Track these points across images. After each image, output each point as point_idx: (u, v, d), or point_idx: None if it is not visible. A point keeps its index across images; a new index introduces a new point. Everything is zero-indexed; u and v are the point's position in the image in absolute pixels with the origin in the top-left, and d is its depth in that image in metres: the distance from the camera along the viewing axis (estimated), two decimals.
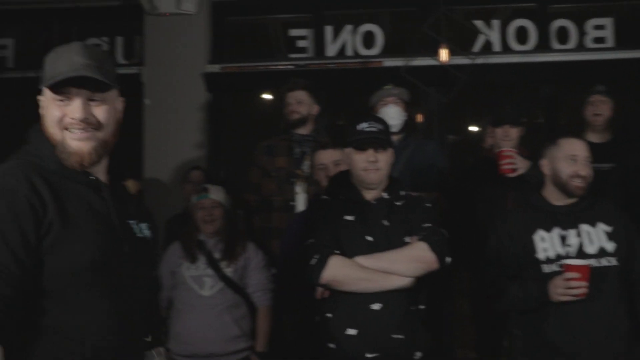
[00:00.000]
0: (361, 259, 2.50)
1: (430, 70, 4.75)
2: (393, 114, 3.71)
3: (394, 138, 3.70)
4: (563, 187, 2.78)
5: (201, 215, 3.56)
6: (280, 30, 5.50)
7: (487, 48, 5.05)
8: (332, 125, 5.35)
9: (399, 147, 3.70)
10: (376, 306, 2.48)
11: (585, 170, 2.76)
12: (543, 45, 5.06)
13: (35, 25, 5.51)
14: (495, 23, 5.12)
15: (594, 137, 4.08)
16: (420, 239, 2.53)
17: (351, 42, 5.24)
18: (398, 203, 2.63)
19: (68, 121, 1.56)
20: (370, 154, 2.59)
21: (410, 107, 3.97)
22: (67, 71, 1.54)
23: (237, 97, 5.47)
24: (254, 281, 3.59)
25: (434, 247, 2.50)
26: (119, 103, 1.69)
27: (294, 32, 5.36)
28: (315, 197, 2.82)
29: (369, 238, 2.54)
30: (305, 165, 3.88)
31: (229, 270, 3.52)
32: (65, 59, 1.56)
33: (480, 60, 4.72)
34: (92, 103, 1.58)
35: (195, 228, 3.58)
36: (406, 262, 2.49)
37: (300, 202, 3.76)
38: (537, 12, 5.12)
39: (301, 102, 3.93)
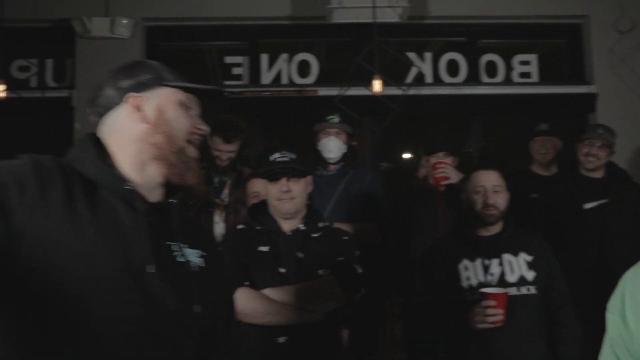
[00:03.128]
0: (270, 292, 2.46)
1: (364, 100, 4.83)
2: (332, 147, 3.71)
3: (332, 167, 3.74)
4: (478, 218, 2.89)
5: None
6: (216, 57, 5.48)
7: (419, 80, 5.18)
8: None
9: (336, 176, 3.73)
10: (282, 339, 2.43)
11: (493, 198, 2.87)
12: (473, 78, 5.23)
13: None
14: (428, 56, 5.27)
15: (540, 170, 4.26)
16: (330, 273, 2.50)
17: (286, 70, 5.27)
18: (315, 235, 2.62)
19: (195, 133, 1.50)
20: (283, 183, 2.59)
21: (351, 139, 4.00)
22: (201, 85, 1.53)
23: None
24: None
25: (343, 282, 2.48)
26: None
27: (230, 59, 5.35)
28: (232, 227, 2.77)
29: (282, 270, 2.51)
30: (225, 194, 3.83)
31: None
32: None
33: (412, 91, 4.83)
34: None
35: None
36: (313, 296, 2.44)
37: (219, 232, 3.69)
38: (467, 46, 5.30)
39: (232, 152, 3.82)
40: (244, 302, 2.40)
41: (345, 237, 2.68)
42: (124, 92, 1.44)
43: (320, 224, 2.68)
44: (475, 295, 2.75)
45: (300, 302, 2.42)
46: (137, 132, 1.43)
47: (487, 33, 5.31)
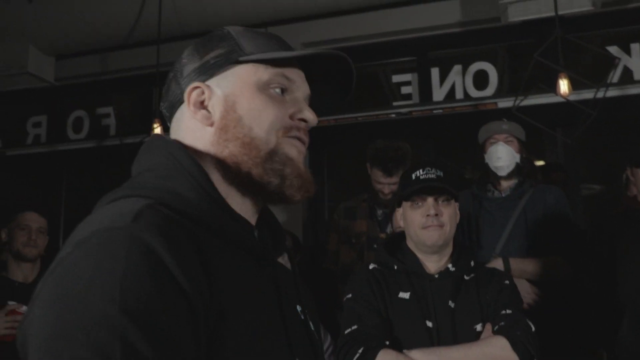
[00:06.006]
0: (419, 355, 1.88)
1: (551, 108, 4.04)
2: (502, 153, 3.02)
3: (505, 184, 3.07)
4: None
5: None
6: (383, 77, 5.03)
7: (622, 77, 4.26)
8: None
9: (511, 197, 3.04)
10: None
11: None
12: None
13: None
14: (635, 47, 4.33)
15: None
16: (499, 332, 1.89)
17: (461, 83, 4.66)
18: (467, 277, 2.05)
19: (295, 126, 0.97)
20: (429, 206, 2.04)
21: (526, 148, 3.29)
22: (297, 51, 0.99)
23: (337, 149, 5.01)
24: None
25: (517, 345, 1.85)
26: None
27: (398, 78, 4.88)
28: (362, 267, 2.21)
29: (429, 323, 1.95)
30: (390, 228, 3.39)
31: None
32: (275, 39, 1.01)
33: (614, 92, 3.94)
34: None
35: None
36: None
37: None
38: None
39: (395, 183, 3.40)
40: None
41: (507, 282, 2.06)
42: (186, 81, 0.98)
43: (472, 263, 2.10)
44: None
45: None
46: (205, 141, 0.96)
47: None
